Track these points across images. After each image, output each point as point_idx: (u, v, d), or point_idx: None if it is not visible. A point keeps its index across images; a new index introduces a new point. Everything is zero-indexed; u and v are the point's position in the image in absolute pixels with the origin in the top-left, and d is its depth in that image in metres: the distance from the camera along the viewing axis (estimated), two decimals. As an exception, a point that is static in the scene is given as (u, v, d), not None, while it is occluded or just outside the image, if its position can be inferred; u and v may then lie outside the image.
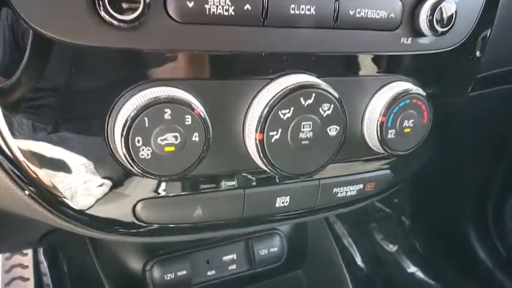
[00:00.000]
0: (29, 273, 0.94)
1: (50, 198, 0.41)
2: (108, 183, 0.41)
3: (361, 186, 0.52)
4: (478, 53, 0.52)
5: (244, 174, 0.45)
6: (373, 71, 0.46)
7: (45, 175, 0.39)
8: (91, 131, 0.38)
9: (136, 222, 0.44)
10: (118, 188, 0.42)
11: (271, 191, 0.47)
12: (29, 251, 0.99)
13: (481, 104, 0.65)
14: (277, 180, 0.47)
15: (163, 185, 0.43)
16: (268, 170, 0.42)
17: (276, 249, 0.76)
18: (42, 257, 0.77)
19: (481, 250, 1.19)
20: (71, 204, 0.42)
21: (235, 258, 0.75)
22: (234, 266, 0.74)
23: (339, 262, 0.74)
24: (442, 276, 1.35)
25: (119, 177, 0.42)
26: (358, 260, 0.98)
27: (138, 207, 0.43)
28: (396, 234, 1.49)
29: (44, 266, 0.76)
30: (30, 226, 0.70)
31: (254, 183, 0.46)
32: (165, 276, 0.67)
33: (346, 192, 0.52)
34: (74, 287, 0.66)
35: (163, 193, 0.43)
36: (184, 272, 0.69)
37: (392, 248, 1.19)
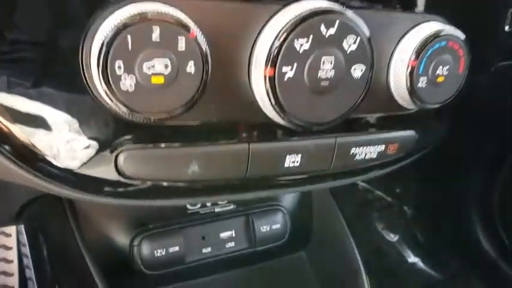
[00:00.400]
0: (13, 255, 0.88)
1: (25, 155, 0.35)
2: (88, 130, 0.34)
3: (382, 147, 0.45)
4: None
5: (249, 124, 0.38)
6: (407, 6, 0.39)
7: (18, 130, 0.33)
8: (64, 62, 0.31)
9: (121, 179, 0.37)
10: (97, 135, 0.35)
11: (281, 148, 0.40)
12: (13, 232, 0.92)
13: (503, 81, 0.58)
14: (287, 135, 0.40)
15: (150, 133, 0.35)
16: (277, 117, 0.35)
17: (278, 226, 0.69)
18: (24, 238, 0.70)
19: (485, 241, 1.16)
20: (49, 159, 0.35)
21: (233, 235, 0.67)
22: (232, 244, 0.67)
23: (350, 246, 0.67)
24: (444, 267, 1.30)
25: (98, 122, 0.34)
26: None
27: (121, 159, 0.35)
28: (398, 223, 1.45)
29: (26, 248, 0.69)
30: (7, 196, 0.62)
31: (261, 137, 0.39)
32: (155, 252, 0.60)
33: (366, 154, 0.44)
34: (54, 267, 0.59)
35: (150, 143, 0.36)
36: (177, 248, 0.61)
37: (393, 237, 1.17)
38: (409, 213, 1.53)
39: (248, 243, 0.68)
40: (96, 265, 0.55)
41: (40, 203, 0.62)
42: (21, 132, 0.33)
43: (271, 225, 0.69)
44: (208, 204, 0.67)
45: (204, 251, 0.65)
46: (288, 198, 0.73)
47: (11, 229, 0.93)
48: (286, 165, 0.41)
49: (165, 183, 0.39)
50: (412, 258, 1.18)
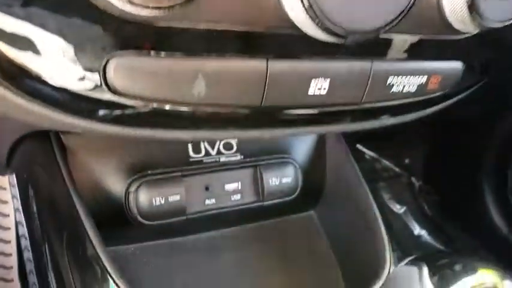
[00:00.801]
0: (9, 209, 0.83)
1: (13, 73, 0.30)
2: (76, 36, 0.27)
3: (423, 79, 0.38)
4: None
5: (269, 34, 0.31)
6: None
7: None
8: None
9: (114, 99, 0.30)
10: (86, 41, 0.28)
11: (306, 68, 0.33)
12: (6, 185, 0.87)
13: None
14: (315, 53, 0.33)
15: (146, 37, 0.28)
16: (307, 23, 0.28)
17: (289, 180, 0.63)
18: (16, 191, 0.64)
19: (497, 215, 1.12)
20: (36, 73, 0.28)
21: (239, 187, 0.61)
22: (237, 197, 0.61)
23: (370, 207, 0.60)
24: (451, 241, 1.27)
25: (87, 25, 0.27)
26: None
27: (110, 70, 0.29)
28: (405, 195, 1.40)
29: (18, 201, 0.63)
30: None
31: (282, 52, 0.32)
32: (154, 200, 0.54)
33: (404, 86, 0.37)
34: (42, 219, 0.53)
35: (145, 50, 0.29)
36: (178, 198, 0.55)
37: (399, 209, 1.14)
38: (417, 185, 1.48)
39: (255, 196, 0.62)
40: (88, 214, 0.49)
41: (28, 148, 0.55)
42: (8, 48, 0.28)
43: (281, 178, 0.62)
44: (213, 153, 0.60)
45: (207, 202, 0.59)
46: (300, 151, 0.66)
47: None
48: (310, 92, 0.34)
49: (166, 106, 0.32)
50: (418, 231, 1.15)
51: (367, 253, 0.58)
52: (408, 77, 0.37)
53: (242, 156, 0.62)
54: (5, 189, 0.90)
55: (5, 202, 0.92)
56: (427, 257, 0.31)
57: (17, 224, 0.73)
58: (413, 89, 0.38)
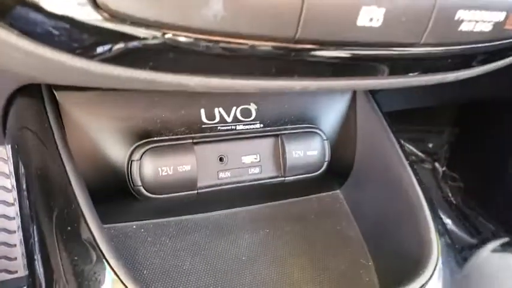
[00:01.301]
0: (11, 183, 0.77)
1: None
2: None
3: (501, 16, 0.29)
4: None
5: None
6: None
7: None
8: None
9: (111, 27, 0.23)
10: None
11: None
12: (5, 156, 0.81)
13: None
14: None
15: None
16: None
17: (315, 152, 0.55)
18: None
19: None
20: None
21: (258, 159, 0.54)
22: (256, 170, 0.53)
23: (411, 185, 0.52)
24: (477, 231, 1.19)
25: None
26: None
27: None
28: (429, 182, 1.32)
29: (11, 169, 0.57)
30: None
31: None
32: (160, 170, 0.47)
33: (476, 23, 0.29)
34: (32, 192, 0.46)
35: None
36: (188, 168, 0.48)
37: None
38: (440, 171, 1.40)
39: (276, 171, 0.54)
40: (83, 186, 0.42)
41: (19, 110, 0.48)
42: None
43: (306, 151, 0.55)
44: (229, 119, 0.53)
45: (221, 175, 0.52)
46: (328, 120, 0.58)
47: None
48: (359, 22, 0.26)
49: (173, 35, 0.24)
50: (444, 220, 1.10)
51: (407, 240, 0.50)
52: (482, 11, 0.29)
53: (262, 125, 0.54)
54: (5, 160, 0.84)
55: (6, 175, 0.86)
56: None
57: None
58: (487, 27, 0.29)
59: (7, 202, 0.86)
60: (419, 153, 1.46)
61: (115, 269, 0.37)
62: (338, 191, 0.64)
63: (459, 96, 1.14)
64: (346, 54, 0.28)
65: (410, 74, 0.33)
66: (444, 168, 1.35)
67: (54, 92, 0.46)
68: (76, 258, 0.39)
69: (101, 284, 0.39)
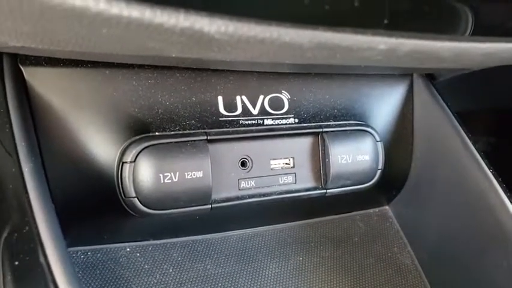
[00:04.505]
0: None
1: None
2: None
3: None
4: None
5: None
6: None
7: None
8: None
9: None
10: None
11: None
12: None
13: None
14: None
15: None
16: None
17: (366, 158, 0.42)
18: None
19: None
20: None
21: (292, 164, 0.41)
22: (289, 179, 0.40)
23: (498, 200, 0.39)
24: None
25: None
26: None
27: None
28: None
29: None
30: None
31: None
32: (162, 176, 0.34)
33: None
34: None
35: None
36: (200, 174, 0.35)
37: None
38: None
39: (315, 180, 0.41)
40: (44, 194, 0.29)
41: None
42: None
43: (356, 154, 0.41)
44: (254, 111, 0.40)
45: (243, 185, 0.39)
46: (380, 114, 0.45)
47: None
48: None
49: None
50: None
51: (491, 271, 0.37)
52: None
53: (297, 119, 0.41)
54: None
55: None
56: None
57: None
58: None
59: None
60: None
61: None
62: (387, 206, 0.51)
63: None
64: None
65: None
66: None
67: (21, 67, 0.34)
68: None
69: None
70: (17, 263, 0.26)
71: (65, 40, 0.26)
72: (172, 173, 0.34)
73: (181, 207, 0.35)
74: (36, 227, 0.26)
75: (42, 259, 0.25)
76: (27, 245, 0.26)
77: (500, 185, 0.40)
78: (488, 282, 0.38)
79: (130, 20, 0.17)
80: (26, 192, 0.28)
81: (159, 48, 0.22)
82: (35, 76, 0.34)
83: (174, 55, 0.25)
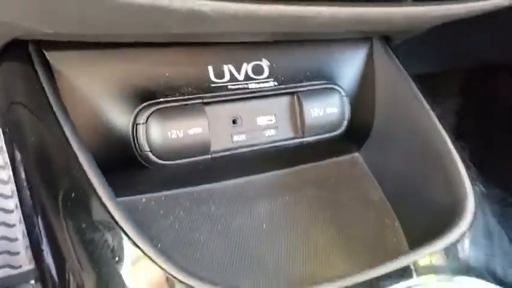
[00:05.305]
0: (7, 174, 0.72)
1: None
2: None
3: None
4: None
5: None
6: None
7: None
8: None
9: None
10: None
11: None
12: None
13: None
14: None
15: None
16: None
17: (334, 110, 0.51)
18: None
19: None
20: None
21: (274, 120, 0.49)
22: (272, 132, 0.49)
23: (438, 133, 0.48)
24: None
25: None
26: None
27: None
28: None
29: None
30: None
31: None
32: (170, 133, 0.42)
33: None
34: (31, 179, 0.41)
35: None
36: (200, 130, 0.43)
37: None
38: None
39: (294, 131, 0.50)
40: (91, 159, 0.38)
41: (5, 80, 0.43)
42: None
43: (325, 108, 0.50)
44: (240, 77, 0.48)
45: (235, 138, 0.47)
46: (346, 75, 0.54)
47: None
48: None
49: None
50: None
51: (437, 192, 0.46)
52: None
53: (276, 83, 0.50)
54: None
55: (1, 167, 0.81)
56: None
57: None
58: None
59: (4, 195, 0.81)
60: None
61: (138, 244, 0.33)
62: (357, 153, 0.60)
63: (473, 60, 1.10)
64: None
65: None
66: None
67: (45, 52, 0.41)
68: (90, 240, 0.34)
69: (124, 264, 0.34)
70: (78, 210, 0.34)
71: (87, 24, 0.34)
72: (177, 130, 0.43)
73: (187, 158, 0.44)
74: (90, 182, 0.34)
75: (98, 204, 0.34)
76: (84, 196, 0.34)
77: (445, 131, 0.49)
78: (435, 202, 0.47)
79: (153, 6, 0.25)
80: (76, 158, 0.36)
81: (168, 25, 0.30)
82: (57, 59, 0.41)
83: (175, 31, 0.33)
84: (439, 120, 0.50)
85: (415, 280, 0.37)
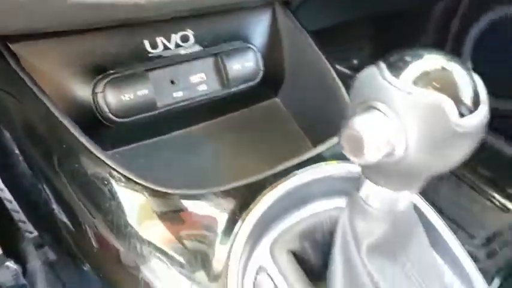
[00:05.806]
0: None
1: None
2: None
3: None
4: None
5: None
6: None
7: None
8: None
9: None
10: None
11: None
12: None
13: None
14: None
15: None
16: None
17: (251, 64, 0.65)
18: None
19: None
20: None
21: (204, 77, 0.63)
22: (204, 87, 0.62)
23: (330, 74, 0.63)
24: None
25: None
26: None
27: None
28: None
29: None
30: None
31: None
32: (123, 96, 0.55)
33: None
34: (27, 155, 0.53)
35: None
36: (146, 92, 0.56)
37: None
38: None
39: (221, 84, 0.64)
40: (72, 122, 0.49)
41: None
42: None
43: (243, 63, 0.64)
44: (171, 46, 0.60)
45: (175, 95, 0.60)
46: (257, 36, 0.68)
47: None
48: None
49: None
50: None
51: (333, 112, 0.63)
52: None
53: (201, 47, 0.63)
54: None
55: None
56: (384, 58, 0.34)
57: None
58: None
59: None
60: (347, 71, 1.60)
61: (136, 180, 0.47)
62: (276, 98, 0.75)
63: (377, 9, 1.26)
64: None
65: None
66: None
67: (10, 45, 0.51)
68: (93, 189, 0.47)
69: (126, 201, 0.47)
70: (76, 165, 0.47)
71: (43, 20, 0.45)
72: (128, 94, 0.55)
73: (140, 114, 0.57)
74: (79, 140, 0.47)
75: (92, 157, 0.46)
76: (76, 155, 0.47)
77: (333, 69, 0.65)
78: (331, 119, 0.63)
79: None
80: (62, 123, 0.48)
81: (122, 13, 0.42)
82: (20, 48, 0.52)
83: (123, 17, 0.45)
84: (330, 62, 0.66)
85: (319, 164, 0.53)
